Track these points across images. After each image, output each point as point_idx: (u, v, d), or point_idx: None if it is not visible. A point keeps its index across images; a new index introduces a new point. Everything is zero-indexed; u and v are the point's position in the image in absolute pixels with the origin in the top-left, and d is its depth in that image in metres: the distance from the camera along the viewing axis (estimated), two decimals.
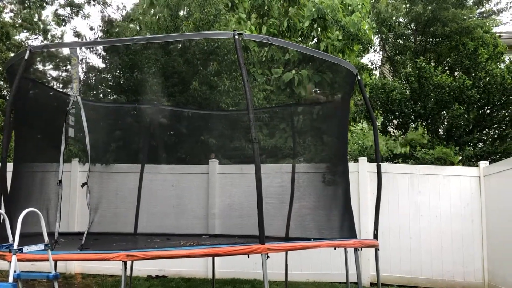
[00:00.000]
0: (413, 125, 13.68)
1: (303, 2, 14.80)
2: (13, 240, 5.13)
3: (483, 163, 11.12)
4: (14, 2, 20.55)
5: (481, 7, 17.45)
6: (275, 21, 14.56)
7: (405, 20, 16.56)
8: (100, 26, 14.46)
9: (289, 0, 14.82)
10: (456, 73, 14.79)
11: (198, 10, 12.41)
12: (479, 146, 13.86)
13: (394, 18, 16.26)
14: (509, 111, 13.90)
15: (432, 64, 15.18)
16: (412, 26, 16.44)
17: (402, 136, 12.58)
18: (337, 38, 14.64)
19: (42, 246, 5.38)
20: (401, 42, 16.61)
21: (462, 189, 10.98)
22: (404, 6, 16.74)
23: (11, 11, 21.45)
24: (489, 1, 17.41)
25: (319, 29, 14.84)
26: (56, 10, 20.29)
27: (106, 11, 20.00)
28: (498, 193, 10.24)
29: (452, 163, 11.84)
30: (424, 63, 13.89)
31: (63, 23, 20.56)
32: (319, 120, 10.73)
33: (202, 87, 11.72)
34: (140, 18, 13.16)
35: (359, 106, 15.07)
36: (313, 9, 14.44)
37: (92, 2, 19.94)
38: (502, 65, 14.37)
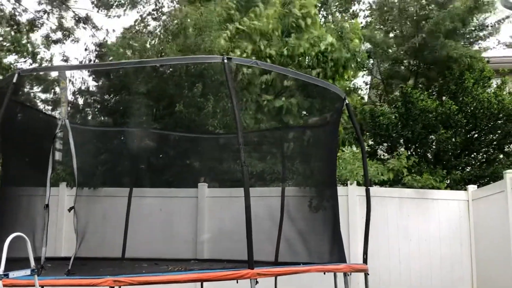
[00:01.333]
0: (402, 149, 13.73)
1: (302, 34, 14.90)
2: None
3: (472, 187, 11.19)
4: (2, 25, 20.53)
5: (475, 38, 17.63)
6: (275, 50, 14.63)
7: (396, 47, 16.71)
8: (91, 49, 14.50)
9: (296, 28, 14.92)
10: (444, 98, 14.94)
11: (195, 37, 12.39)
12: (467, 170, 13.94)
13: (384, 45, 16.44)
14: (496, 135, 14.01)
15: (420, 89, 15.34)
16: (404, 51, 16.60)
17: (386, 163, 12.58)
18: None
19: (28, 272, 5.28)
20: (394, 66, 16.77)
21: (450, 212, 11.02)
22: (398, 30, 16.94)
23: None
24: (483, 30, 17.63)
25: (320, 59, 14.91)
26: (48, 34, 20.28)
27: (96, 35, 20.02)
28: (486, 216, 10.29)
29: (438, 189, 11.88)
30: (410, 88, 14.02)
31: (53, 44, 20.55)
32: (308, 144, 10.73)
33: (189, 108, 11.70)
34: (130, 42, 13.20)
35: (348, 129, 15.13)
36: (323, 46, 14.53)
37: (82, 25, 19.96)
38: (489, 90, 14.54)
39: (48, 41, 20.51)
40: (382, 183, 12.04)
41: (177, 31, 12.64)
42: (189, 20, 12.78)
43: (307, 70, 14.63)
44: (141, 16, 15.28)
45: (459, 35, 16.07)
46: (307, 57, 14.49)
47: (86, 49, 13.68)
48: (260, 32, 13.95)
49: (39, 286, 5.55)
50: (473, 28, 16.91)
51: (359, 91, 19.40)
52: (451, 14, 15.18)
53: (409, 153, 13.82)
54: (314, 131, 11.25)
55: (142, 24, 15.14)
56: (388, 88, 16.95)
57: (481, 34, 17.78)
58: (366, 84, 20.45)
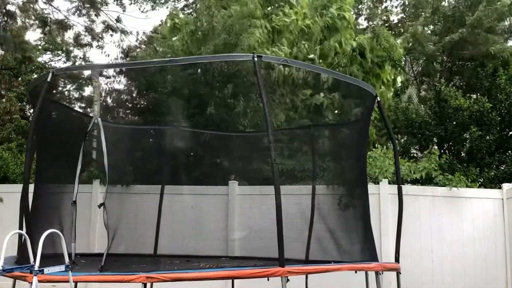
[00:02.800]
0: (435, 147, 13.55)
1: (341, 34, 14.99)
2: (34, 261, 5.15)
3: (506, 185, 10.98)
4: (37, 25, 20.92)
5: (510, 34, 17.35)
6: (316, 48, 14.71)
7: (437, 44, 16.52)
8: (120, 53, 14.67)
9: (330, 30, 15.00)
10: (478, 95, 14.71)
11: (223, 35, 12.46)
12: (501, 168, 13.68)
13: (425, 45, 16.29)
14: None
15: (454, 86, 15.13)
16: (441, 48, 16.39)
17: (417, 163, 12.41)
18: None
19: (63, 267, 5.38)
20: (430, 63, 16.59)
21: (484, 211, 10.83)
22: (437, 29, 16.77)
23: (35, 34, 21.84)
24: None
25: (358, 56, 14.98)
26: (78, 35, 20.61)
27: (126, 38, 20.23)
28: None
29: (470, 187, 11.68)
30: (443, 86, 13.83)
31: (84, 47, 20.86)
32: (339, 142, 10.68)
33: (219, 109, 11.75)
34: (162, 41, 13.31)
35: (379, 127, 15.02)
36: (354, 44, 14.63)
37: (110, 32, 20.19)
38: None
39: (80, 44, 20.82)
40: (414, 182, 11.90)
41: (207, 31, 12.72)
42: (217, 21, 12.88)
43: (340, 69, 14.67)
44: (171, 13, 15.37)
45: (498, 32, 15.80)
46: (340, 56, 14.53)
47: (108, 55, 13.86)
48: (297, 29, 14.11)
49: (73, 281, 5.64)
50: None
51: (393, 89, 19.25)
52: (496, 10, 14.98)
53: (442, 151, 13.62)
54: (345, 128, 11.19)
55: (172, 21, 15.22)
56: (421, 86, 16.73)
57: None
58: (400, 82, 20.24)
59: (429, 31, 17.19)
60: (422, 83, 17.08)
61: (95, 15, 18.78)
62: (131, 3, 20.46)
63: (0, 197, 10.64)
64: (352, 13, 16.16)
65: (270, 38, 13.93)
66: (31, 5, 18.99)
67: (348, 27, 15.35)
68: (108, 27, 19.52)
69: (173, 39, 14.14)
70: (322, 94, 13.36)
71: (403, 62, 17.18)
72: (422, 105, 14.74)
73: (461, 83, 16.11)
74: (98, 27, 20.08)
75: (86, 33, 19.82)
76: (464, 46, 15.27)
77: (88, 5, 18.18)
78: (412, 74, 17.88)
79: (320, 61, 14.93)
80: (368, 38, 15.12)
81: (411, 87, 19.03)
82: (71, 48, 22.38)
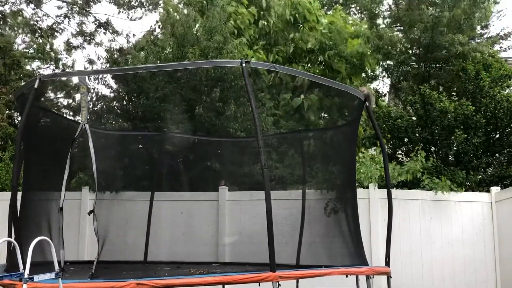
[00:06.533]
0: (422, 151, 13.64)
1: (308, 25, 14.87)
2: (24, 268, 5.10)
3: (495, 189, 11.06)
4: (26, 32, 20.85)
5: (485, 30, 17.57)
6: (280, 49, 14.66)
7: (403, 46, 16.66)
8: (107, 56, 14.57)
9: (294, 26, 14.93)
10: (462, 99, 14.84)
11: (205, 38, 12.50)
12: (489, 171, 13.77)
13: (387, 47, 16.38)
14: None
15: (439, 89, 15.23)
16: (413, 51, 16.53)
17: (403, 164, 12.45)
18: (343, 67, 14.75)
19: (52, 275, 5.33)
20: (403, 68, 16.71)
21: (474, 214, 10.90)
22: (399, 33, 16.92)
23: (23, 41, 21.75)
24: (489, 25, 17.58)
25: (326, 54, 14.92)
26: (68, 39, 20.55)
27: (116, 39, 20.19)
28: (510, 218, 10.16)
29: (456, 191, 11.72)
30: (428, 90, 13.92)
31: (75, 50, 20.82)
32: (328, 146, 10.71)
33: (209, 113, 11.75)
34: (151, 47, 13.25)
35: (367, 131, 15.07)
36: (314, 41, 14.56)
37: (103, 31, 20.17)
38: (507, 90, 14.41)
39: (69, 47, 20.77)
40: (402, 185, 11.94)
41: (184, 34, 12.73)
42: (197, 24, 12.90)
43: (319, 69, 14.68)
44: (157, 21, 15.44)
45: (467, 32, 15.96)
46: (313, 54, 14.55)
47: (98, 58, 13.79)
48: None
49: None
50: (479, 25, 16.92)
51: (375, 94, 19.35)
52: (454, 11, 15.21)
53: (428, 155, 13.67)
54: (334, 133, 11.23)
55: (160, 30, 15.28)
56: (401, 91, 16.84)
57: (502, 33, 17.69)
58: (376, 91, 20.36)
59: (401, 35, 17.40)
60: (400, 89, 17.20)
61: (85, 14, 18.86)
62: (120, 12, 20.46)
63: None
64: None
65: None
66: (20, 12, 18.97)
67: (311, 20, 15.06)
68: (99, 25, 19.56)
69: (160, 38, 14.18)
70: (302, 96, 13.40)
71: (376, 71, 17.31)
72: (405, 109, 14.81)
73: (444, 87, 16.22)
74: (89, 27, 20.15)
75: (77, 34, 19.84)
76: (434, 48, 15.46)
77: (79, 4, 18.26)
78: (389, 81, 18.07)
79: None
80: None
81: (389, 93, 19.22)
82: (61, 52, 22.35)
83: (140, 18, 21.03)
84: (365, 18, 18.68)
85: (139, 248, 10.11)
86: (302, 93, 13.66)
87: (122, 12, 20.44)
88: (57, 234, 7.91)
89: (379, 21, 18.97)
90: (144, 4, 20.14)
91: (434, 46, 15.51)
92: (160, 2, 19.40)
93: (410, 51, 16.70)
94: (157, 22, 15.02)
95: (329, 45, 14.38)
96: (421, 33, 15.88)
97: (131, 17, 20.76)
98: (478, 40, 17.16)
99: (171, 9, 14.98)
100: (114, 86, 12.92)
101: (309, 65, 15.18)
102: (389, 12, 19.06)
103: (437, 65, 16.18)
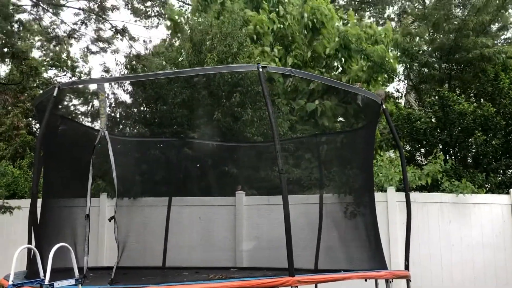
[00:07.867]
0: (441, 153, 13.55)
1: (327, 31, 14.85)
2: (44, 275, 5.16)
3: None
4: (43, 40, 21.11)
5: (505, 32, 17.42)
6: (299, 52, 14.65)
7: (429, 48, 16.59)
8: (125, 62, 14.67)
9: (313, 31, 14.89)
10: (482, 100, 14.71)
11: (222, 44, 12.55)
12: (508, 173, 13.62)
13: (415, 48, 16.31)
14: None
15: (457, 92, 15.11)
16: (436, 54, 16.43)
17: (423, 168, 12.36)
18: (361, 68, 14.64)
19: (73, 281, 5.38)
20: (426, 70, 16.61)
21: (493, 217, 10.79)
22: (427, 34, 16.79)
23: (40, 49, 22.01)
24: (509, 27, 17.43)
25: (343, 59, 14.88)
26: (87, 46, 20.76)
27: (134, 46, 20.38)
28: None
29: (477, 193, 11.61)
30: (447, 91, 13.82)
31: (94, 54, 21.05)
32: (345, 150, 10.68)
33: (226, 118, 11.78)
34: (165, 52, 13.34)
35: (385, 135, 14.99)
36: (337, 38, 14.55)
37: (120, 37, 20.36)
38: None
39: (87, 52, 21.00)
40: (420, 189, 11.85)
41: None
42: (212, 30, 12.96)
43: (335, 73, 14.64)
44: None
45: (490, 34, 15.86)
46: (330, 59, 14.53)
47: (117, 64, 13.94)
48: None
49: None
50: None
51: (395, 95, 19.26)
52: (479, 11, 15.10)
53: (447, 157, 13.56)
54: (351, 136, 11.19)
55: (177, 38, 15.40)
56: (422, 93, 16.73)
57: None
58: (397, 91, 20.25)
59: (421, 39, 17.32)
60: (421, 90, 17.10)
61: (102, 22, 19.07)
62: (136, 21, 20.74)
63: (13, 206, 10.54)
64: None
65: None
66: (37, 21, 19.19)
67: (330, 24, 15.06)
68: (116, 32, 19.75)
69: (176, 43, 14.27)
70: (316, 102, 13.38)
71: (397, 72, 17.23)
72: (424, 111, 14.70)
73: (463, 89, 16.11)
74: (106, 33, 20.35)
75: (95, 40, 20.06)
76: (457, 52, 15.36)
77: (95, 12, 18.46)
78: (410, 83, 17.93)
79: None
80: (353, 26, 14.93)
81: (409, 95, 19.09)
82: (78, 59, 22.61)
83: (156, 27, 21.29)
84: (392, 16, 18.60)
85: (158, 254, 10.15)
86: (316, 99, 13.65)
87: (139, 21, 20.67)
88: (82, 241, 7.97)
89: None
90: (162, 15, 20.34)
91: (457, 48, 15.39)
92: (163, 11, 19.65)
93: (434, 53, 16.55)
94: (168, 28, 15.16)
95: (348, 48, 14.40)
96: (446, 34, 15.78)
97: (148, 26, 21.01)
98: (496, 41, 17.01)
99: (177, 16, 15.13)
100: (132, 92, 13.00)
101: (324, 69, 15.15)
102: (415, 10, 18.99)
103: (459, 67, 16.04)
